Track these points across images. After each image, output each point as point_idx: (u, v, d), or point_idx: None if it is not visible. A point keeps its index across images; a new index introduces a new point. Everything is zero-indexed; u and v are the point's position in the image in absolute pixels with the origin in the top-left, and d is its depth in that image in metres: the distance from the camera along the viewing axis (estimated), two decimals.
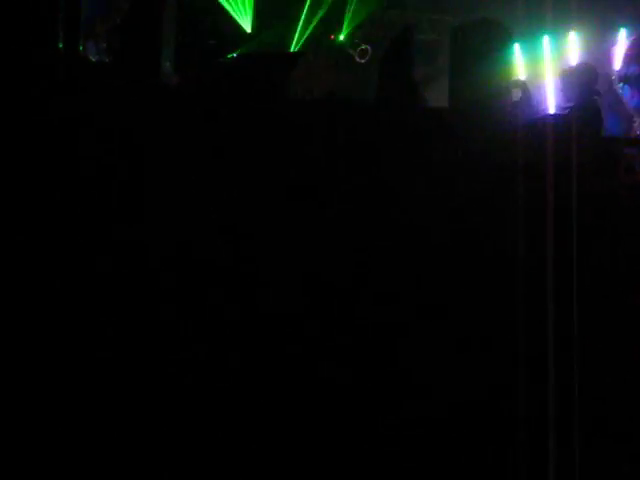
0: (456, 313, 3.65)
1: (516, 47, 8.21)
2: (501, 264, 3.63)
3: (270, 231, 3.38)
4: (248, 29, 9.02)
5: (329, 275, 3.48)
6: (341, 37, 9.60)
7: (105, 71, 4.04)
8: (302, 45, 9.52)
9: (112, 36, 4.41)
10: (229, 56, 7.50)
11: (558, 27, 8.26)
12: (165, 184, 3.31)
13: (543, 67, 8.32)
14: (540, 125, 4.17)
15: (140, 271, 3.32)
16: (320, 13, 9.39)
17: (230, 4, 8.85)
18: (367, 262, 3.45)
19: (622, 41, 7.74)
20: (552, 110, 6.68)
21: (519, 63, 8.22)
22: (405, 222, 3.44)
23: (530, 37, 8.58)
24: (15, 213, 3.30)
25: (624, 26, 7.93)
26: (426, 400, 3.65)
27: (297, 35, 9.44)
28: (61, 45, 3.51)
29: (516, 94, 5.26)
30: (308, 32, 9.42)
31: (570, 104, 5.18)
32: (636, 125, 6.08)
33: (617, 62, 7.51)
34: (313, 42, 9.42)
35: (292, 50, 9.20)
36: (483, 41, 4.56)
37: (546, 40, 8.52)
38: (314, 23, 9.42)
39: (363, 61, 9.34)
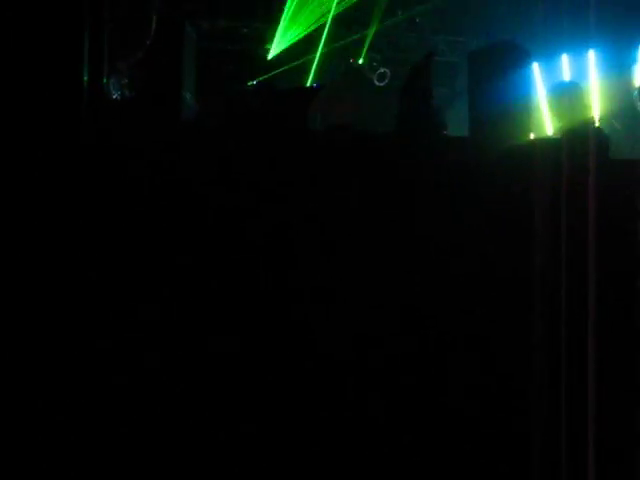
0: (472, 338, 3.65)
1: (535, 67, 8.22)
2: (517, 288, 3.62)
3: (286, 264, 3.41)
4: (267, 55, 9.12)
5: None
6: (360, 61, 9.66)
7: (128, 107, 4.09)
8: (322, 68, 9.59)
9: (133, 72, 4.46)
10: (249, 83, 7.58)
11: (577, 46, 8.26)
12: (185, 218, 3.35)
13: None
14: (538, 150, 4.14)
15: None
16: (340, 37, 9.47)
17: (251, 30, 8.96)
18: (382, 293, 3.46)
19: None
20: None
21: (538, 83, 8.21)
22: (428, 253, 3.44)
23: (549, 56, 8.59)
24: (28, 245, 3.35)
25: None
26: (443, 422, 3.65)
27: (317, 59, 9.50)
28: (85, 79, 3.56)
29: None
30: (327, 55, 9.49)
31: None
32: None
33: (637, 80, 7.47)
34: (333, 65, 9.49)
35: (312, 74, 9.27)
36: (502, 64, 4.56)
37: (565, 59, 8.52)
38: (334, 46, 9.49)
39: (382, 84, 9.39)
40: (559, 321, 3.63)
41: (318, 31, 9.41)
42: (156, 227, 3.30)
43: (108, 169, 3.39)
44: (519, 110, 4.39)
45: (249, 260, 3.38)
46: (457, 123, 6.10)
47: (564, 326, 3.63)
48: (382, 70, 9.41)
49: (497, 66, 4.49)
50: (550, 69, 8.45)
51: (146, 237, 3.36)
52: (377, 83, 9.42)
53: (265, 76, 8.59)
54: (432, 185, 3.38)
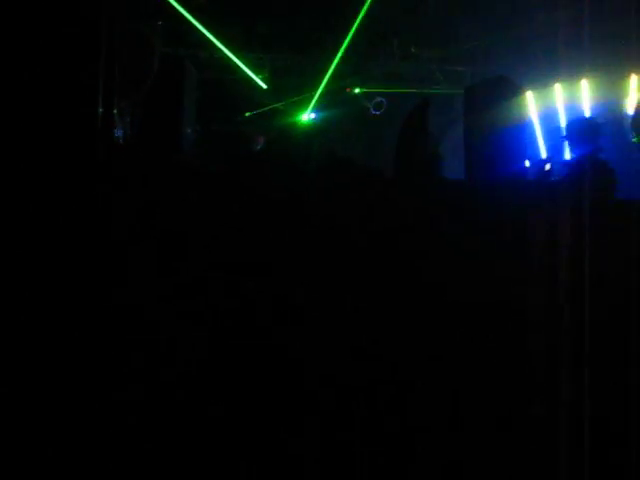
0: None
1: (529, 96, 8.35)
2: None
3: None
4: (264, 84, 9.22)
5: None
6: (357, 90, 9.78)
7: (130, 146, 4.17)
8: (319, 99, 9.71)
9: (136, 109, 4.56)
10: (247, 114, 7.72)
11: (571, 75, 8.40)
12: (192, 260, 3.41)
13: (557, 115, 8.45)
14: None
15: None
16: (335, 66, 9.59)
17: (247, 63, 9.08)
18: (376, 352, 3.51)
19: (634, 88, 7.83)
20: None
21: (532, 112, 8.33)
22: (424, 299, 3.51)
23: (543, 85, 8.73)
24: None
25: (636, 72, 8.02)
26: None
27: (314, 88, 9.63)
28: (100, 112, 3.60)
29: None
30: (324, 85, 9.60)
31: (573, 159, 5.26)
32: None
33: (629, 110, 7.59)
34: (330, 95, 9.60)
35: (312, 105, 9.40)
36: (495, 98, 4.67)
37: (558, 88, 8.65)
38: (330, 76, 9.61)
39: (378, 113, 9.51)
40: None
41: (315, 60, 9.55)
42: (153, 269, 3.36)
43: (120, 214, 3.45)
44: (514, 139, 4.51)
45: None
46: (451, 149, 6.23)
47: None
48: (379, 99, 9.53)
49: (491, 101, 4.61)
50: (543, 97, 8.59)
51: (144, 278, 3.42)
52: (374, 112, 9.55)
53: (263, 108, 8.73)
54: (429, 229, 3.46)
